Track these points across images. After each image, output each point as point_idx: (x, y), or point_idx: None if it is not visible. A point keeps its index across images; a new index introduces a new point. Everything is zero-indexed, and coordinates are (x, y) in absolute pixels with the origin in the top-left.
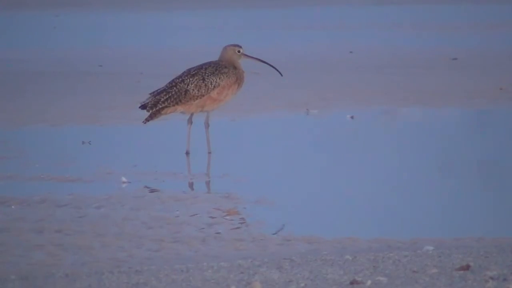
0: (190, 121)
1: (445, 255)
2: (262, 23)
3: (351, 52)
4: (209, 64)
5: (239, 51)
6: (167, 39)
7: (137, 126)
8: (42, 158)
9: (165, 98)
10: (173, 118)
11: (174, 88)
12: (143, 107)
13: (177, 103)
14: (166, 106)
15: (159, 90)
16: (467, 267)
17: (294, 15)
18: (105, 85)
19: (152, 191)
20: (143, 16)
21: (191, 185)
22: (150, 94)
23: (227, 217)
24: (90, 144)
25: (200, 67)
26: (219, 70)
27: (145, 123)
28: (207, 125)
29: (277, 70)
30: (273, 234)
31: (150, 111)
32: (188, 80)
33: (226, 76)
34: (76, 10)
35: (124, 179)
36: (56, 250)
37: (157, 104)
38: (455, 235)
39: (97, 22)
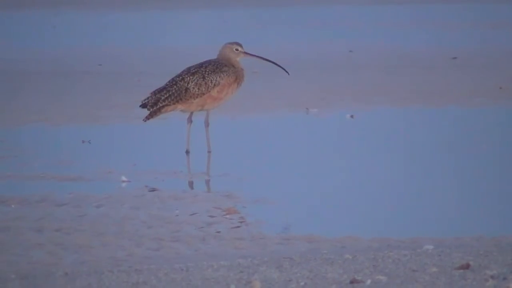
0: (189, 120)
1: (445, 254)
2: (262, 22)
3: (351, 51)
4: (209, 62)
5: (237, 49)
6: (167, 38)
7: (137, 125)
8: (42, 157)
9: (165, 96)
10: (173, 117)
11: (175, 86)
12: (144, 105)
13: (177, 102)
14: (166, 105)
15: (159, 89)
16: (467, 266)
17: (294, 14)
18: (105, 84)
19: (152, 190)
20: (143, 15)
21: (191, 184)
22: (151, 93)
23: (227, 216)
24: (90, 143)
25: (200, 65)
26: (219, 69)
27: (145, 121)
28: (207, 124)
29: (283, 68)
30: (277, 233)
31: (151, 110)
32: (189, 78)
33: (226, 75)
34: (76, 9)
35: (124, 178)
36: (56, 249)
37: (157, 102)
38: (455, 234)
39: (96, 21)
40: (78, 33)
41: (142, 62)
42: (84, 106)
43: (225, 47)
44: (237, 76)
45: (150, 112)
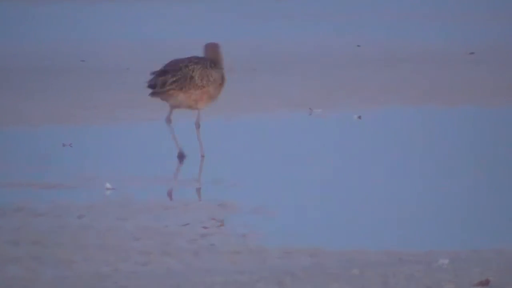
0: (169, 119)
1: (462, 269)
2: (260, 14)
3: (358, 45)
4: (204, 58)
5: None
6: (155, 32)
7: (123, 127)
8: (19, 162)
9: (172, 80)
10: (162, 118)
11: (179, 71)
12: (152, 86)
13: (180, 89)
14: (172, 89)
15: (161, 70)
16: (486, 283)
17: (296, 5)
18: (88, 82)
19: (139, 198)
20: (129, 7)
21: (182, 192)
22: (152, 73)
23: (222, 227)
24: (71, 146)
25: (199, 57)
26: (215, 66)
27: (151, 96)
28: (198, 125)
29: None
30: (278, 246)
31: (160, 90)
32: (193, 66)
33: (219, 74)
34: (57, 0)
35: (108, 185)
36: (33, 263)
37: (165, 84)
38: (473, 247)
39: (79, 13)
40: (59, 26)
41: (129, 58)
42: (65, 106)
43: (217, 46)
44: (223, 78)
45: (160, 91)
